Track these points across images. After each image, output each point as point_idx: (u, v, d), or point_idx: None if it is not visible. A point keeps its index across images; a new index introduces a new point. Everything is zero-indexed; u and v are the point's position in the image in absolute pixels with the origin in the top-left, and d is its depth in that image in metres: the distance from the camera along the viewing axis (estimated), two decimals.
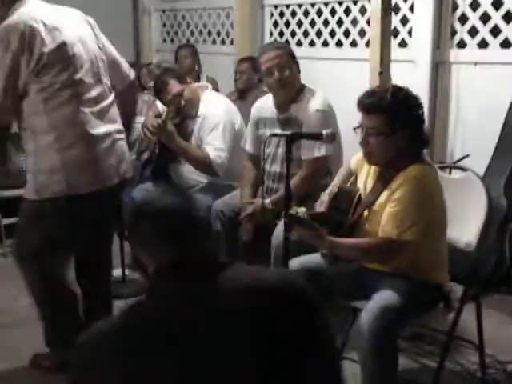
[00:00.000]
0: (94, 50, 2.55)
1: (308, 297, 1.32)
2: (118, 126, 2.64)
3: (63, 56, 2.39)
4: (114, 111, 2.63)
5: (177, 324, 1.21)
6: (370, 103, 2.24)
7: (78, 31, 2.50)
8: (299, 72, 3.22)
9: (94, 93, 2.50)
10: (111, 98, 2.62)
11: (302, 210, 2.18)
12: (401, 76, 3.79)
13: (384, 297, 2.20)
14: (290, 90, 3.18)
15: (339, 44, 4.65)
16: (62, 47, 2.38)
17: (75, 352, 1.25)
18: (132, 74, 2.85)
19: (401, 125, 2.23)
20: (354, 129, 2.33)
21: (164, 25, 6.46)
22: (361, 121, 2.31)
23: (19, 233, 2.64)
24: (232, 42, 5.45)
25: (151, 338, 1.20)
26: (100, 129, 2.51)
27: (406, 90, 2.31)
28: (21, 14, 2.36)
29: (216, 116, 3.49)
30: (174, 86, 3.53)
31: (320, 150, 3.07)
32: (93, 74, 2.51)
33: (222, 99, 3.76)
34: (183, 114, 3.58)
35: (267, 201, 3.03)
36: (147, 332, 1.21)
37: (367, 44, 4.30)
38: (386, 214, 2.23)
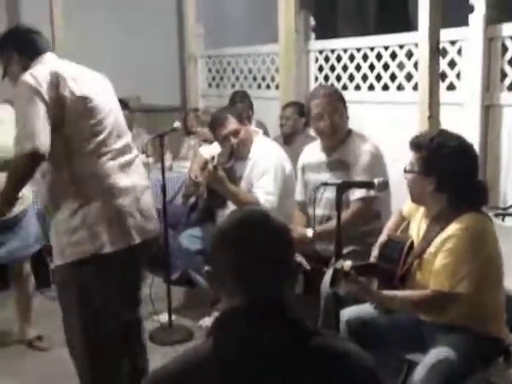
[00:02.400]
0: (115, 107, 2.53)
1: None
2: (145, 181, 2.57)
3: (86, 106, 2.34)
4: (140, 166, 2.58)
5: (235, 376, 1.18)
6: (414, 140, 2.30)
7: (98, 87, 2.47)
8: (348, 117, 3.21)
9: (118, 145, 2.44)
10: (135, 152, 2.57)
11: (347, 264, 2.13)
12: (449, 119, 3.76)
13: (441, 351, 2.13)
14: (339, 135, 3.17)
15: (385, 88, 4.64)
16: (86, 97, 2.34)
17: None
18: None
19: (429, 169, 2.23)
20: (405, 169, 2.32)
21: (210, 70, 6.57)
22: None
23: (63, 310, 2.49)
24: (277, 87, 5.49)
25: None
26: (124, 181, 2.41)
27: (458, 140, 2.26)
28: (44, 65, 2.37)
29: (267, 161, 3.50)
30: (232, 123, 3.56)
31: (369, 191, 3.03)
32: (116, 126, 2.47)
33: (274, 144, 3.78)
34: (235, 156, 3.59)
35: (309, 231, 2.99)
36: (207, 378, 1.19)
37: (414, 87, 4.27)
38: (437, 266, 2.18)
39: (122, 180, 2.40)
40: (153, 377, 1.26)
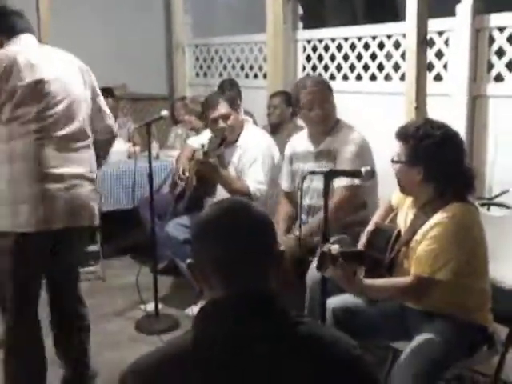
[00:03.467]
0: (76, 92, 2.54)
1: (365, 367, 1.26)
2: (83, 170, 2.55)
3: (37, 91, 2.41)
4: (86, 156, 2.57)
5: (218, 365, 1.17)
6: (399, 131, 2.31)
7: (60, 71, 2.51)
8: (335, 106, 3.22)
9: (63, 132, 2.47)
10: (87, 141, 2.58)
11: (335, 248, 2.13)
12: (436, 110, 3.76)
13: (426, 339, 2.14)
14: (327, 124, 3.19)
15: (373, 78, 4.64)
16: (38, 83, 2.41)
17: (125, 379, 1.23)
18: (115, 130, 2.83)
19: (416, 159, 2.24)
20: (392, 160, 2.32)
21: (197, 59, 6.53)
22: None
23: None
24: (265, 76, 5.48)
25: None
26: (58, 169, 2.44)
27: (445, 128, 2.27)
28: (9, 49, 2.47)
29: (258, 149, 3.53)
30: (224, 107, 3.59)
31: (352, 179, 3.03)
32: (68, 114, 2.49)
33: (263, 133, 3.81)
34: (225, 142, 3.60)
35: (296, 232, 3.00)
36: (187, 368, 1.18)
37: (401, 78, 4.28)
38: (420, 252, 2.20)
39: (56, 167, 2.43)
40: (133, 367, 1.24)
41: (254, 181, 3.46)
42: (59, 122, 2.46)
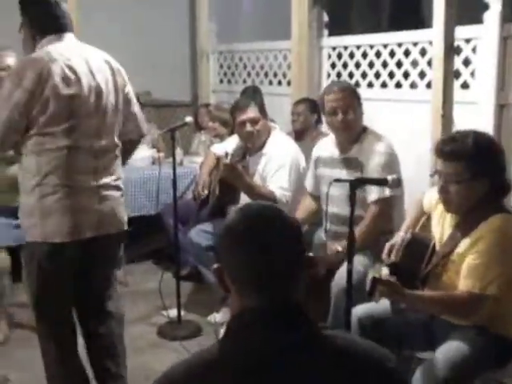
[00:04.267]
0: (110, 102, 2.48)
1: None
2: (111, 179, 2.53)
3: (72, 106, 2.35)
4: (114, 165, 2.55)
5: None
6: (450, 150, 2.18)
7: (95, 80, 2.43)
8: (362, 113, 3.19)
9: (94, 145, 2.44)
10: (116, 151, 2.56)
11: (385, 274, 2.11)
12: (463, 118, 3.72)
13: (454, 347, 2.11)
14: (353, 131, 3.16)
15: (398, 85, 4.61)
16: (73, 97, 2.35)
17: None
18: (145, 129, 2.76)
19: (482, 172, 2.16)
20: (432, 175, 2.27)
21: (221, 66, 6.55)
22: (438, 167, 2.24)
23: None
24: (289, 83, 5.46)
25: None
26: (87, 182, 2.43)
27: (488, 136, 2.25)
28: (46, 53, 2.36)
29: (283, 156, 3.51)
30: (253, 112, 3.57)
31: (384, 191, 3.01)
32: (100, 127, 2.45)
33: (290, 141, 3.78)
34: (249, 149, 3.59)
35: (338, 246, 2.96)
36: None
37: (428, 85, 4.24)
38: (468, 267, 2.14)
39: (88, 180, 2.43)
40: (165, 377, 1.21)
41: (279, 187, 3.43)
42: (91, 136, 2.43)
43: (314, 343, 1.19)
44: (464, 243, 2.20)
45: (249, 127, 3.55)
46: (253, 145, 3.58)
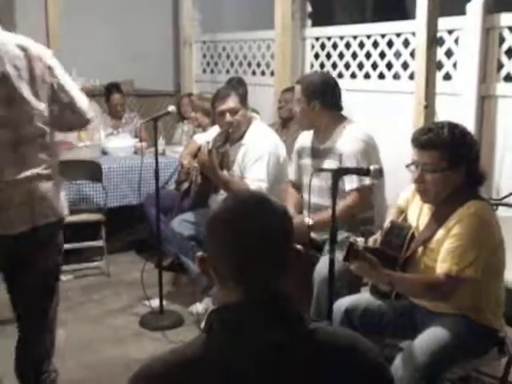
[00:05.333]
0: (17, 90, 2.26)
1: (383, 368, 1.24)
2: (38, 170, 2.32)
3: None
4: (40, 155, 2.33)
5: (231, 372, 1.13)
6: (426, 139, 2.21)
7: (8, 72, 2.23)
8: (323, 107, 3.17)
9: (6, 137, 2.24)
10: (40, 141, 2.34)
11: (361, 240, 2.13)
12: (445, 109, 3.74)
13: (433, 334, 2.14)
14: (306, 124, 3.22)
15: (381, 76, 4.62)
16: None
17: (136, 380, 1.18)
18: (88, 116, 2.49)
19: (457, 161, 2.20)
20: (407, 166, 2.28)
21: (204, 56, 6.52)
22: (415, 158, 2.26)
23: None
24: (272, 74, 5.46)
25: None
26: (11, 175, 2.25)
27: (462, 126, 2.28)
28: None
29: (262, 147, 3.50)
30: (233, 102, 3.56)
31: (364, 180, 3.02)
32: (8, 116, 2.25)
33: (270, 131, 3.77)
34: (229, 139, 3.59)
35: (307, 219, 2.99)
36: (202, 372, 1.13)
37: (410, 77, 4.26)
38: (445, 250, 2.17)
39: (8, 173, 2.24)
40: (145, 371, 1.18)
41: (256, 178, 3.43)
42: (6, 127, 2.24)
43: (302, 337, 1.17)
44: (442, 230, 2.22)
45: (228, 117, 3.55)
46: (232, 135, 3.58)
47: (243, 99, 3.64)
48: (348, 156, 3.04)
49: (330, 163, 3.06)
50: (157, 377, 1.16)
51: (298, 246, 1.25)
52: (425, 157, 2.22)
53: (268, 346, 1.13)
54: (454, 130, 2.22)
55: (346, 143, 3.09)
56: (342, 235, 2.87)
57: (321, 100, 3.14)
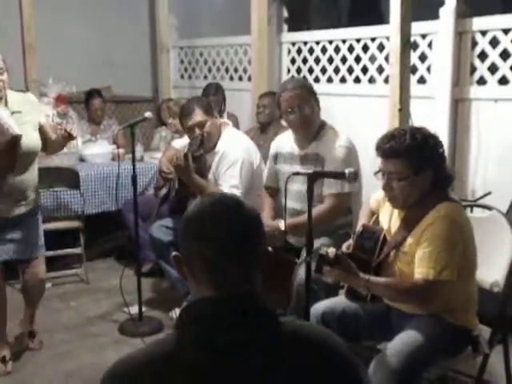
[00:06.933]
0: None
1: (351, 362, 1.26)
2: None
3: None
4: None
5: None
6: (389, 148, 2.21)
7: None
8: (319, 109, 3.22)
9: None
10: None
11: (332, 251, 2.15)
12: (420, 113, 3.79)
13: (408, 336, 2.15)
14: (310, 127, 3.18)
15: (357, 81, 4.66)
16: None
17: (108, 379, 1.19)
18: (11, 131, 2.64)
19: (422, 166, 2.21)
20: (375, 174, 2.30)
21: (182, 61, 6.53)
22: (381, 166, 2.27)
23: None
24: (249, 79, 5.47)
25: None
26: None
27: (424, 129, 2.28)
28: None
29: (235, 153, 3.50)
30: (198, 115, 3.55)
31: (343, 187, 3.04)
32: None
33: (243, 137, 3.77)
34: (204, 147, 3.60)
35: (281, 223, 3.00)
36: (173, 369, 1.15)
37: (385, 80, 4.30)
38: (419, 255, 2.18)
39: None
40: (113, 371, 1.20)
41: (229, 185, 3.44)
42: None
43: (270, 332, 1.19)
44: (414, 233, 2.24)
45: (197, 131, 3.55)
46: (205, 145, 3.58)
47: (208, 109, 3.62)
48: (330, 165, 3.05)
49: (310, 169, 3.07)
50: (125, 375, 1.18)
51: (269, 248, 1.28)
52: (389, 165, 2.23)
53: (235, 341, 1.15)
54: (416, 134, 2.21)
55: (330, 151, 3.10)
56: (319, 241, 2.90)
57: (317, 101, 3.19)
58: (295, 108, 3.12)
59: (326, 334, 1.28)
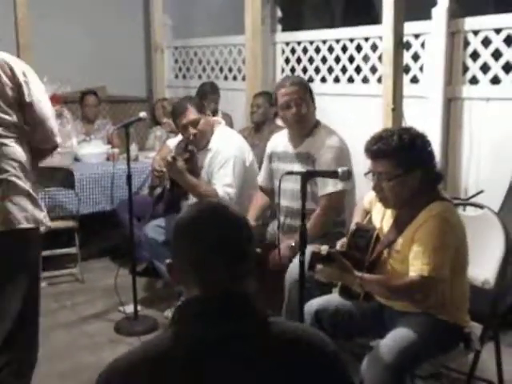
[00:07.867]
0: None
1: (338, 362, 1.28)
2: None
3: None
4: None
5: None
6: (376, 149, 2.24)
7: None
8: (315, 108, 3.24)
9: None
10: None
11: (324, 248, 2.17)
12: (413, 112, 3.82)
13: (400, 333, 2.17)
14: (306, 125, 3.20)
15: (350, 80, 4.68)
16: None
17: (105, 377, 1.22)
18: (55, 139, 2.53)
19: (410, 166, 2.23)
20: (365, 174, 2.32)
21: (176, 61, 6.54)
22: (370, 167, 2.30)
23: None
24: (244, 78, 5.49)
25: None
26: None
27: (413, 130, 2.31)
28: None
29: (227, 152, 3.52)
30: (192, 113, 3.57)
31: (336, 185, 3.06)
32: None
33: (235, 136, 3.79)
34: (195, 146, 3.62)
35: (292, 241, 3.00)
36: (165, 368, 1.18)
37: (379, 80, 4.33)
38: (414, 253, 2.19)
39: None
40: (110, 369, 1.23)
41: (223, 184, 3.46)
42: None
43: (259, 331, 1.23)
44: (407, 232, 2.25)
45: (191, 130, 3.57)
46: (199, 143, 3.60)
47: (201, 107, 3.65)
48: (321, 163, 3.07)
49: (303, 167, 3.09)
50: (122, 374, 1.21)
51: (257, 250, 1.33)
52: (378, 166, 2.26)
53: (226, 338, 1.19)
54: (403, 135, 2.23)
55: (321, 150, 3.12)
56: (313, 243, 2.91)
57: (313, 100, 3.22)
58: (292, 103, 3.14)
59: (314, 333, 1.31)
